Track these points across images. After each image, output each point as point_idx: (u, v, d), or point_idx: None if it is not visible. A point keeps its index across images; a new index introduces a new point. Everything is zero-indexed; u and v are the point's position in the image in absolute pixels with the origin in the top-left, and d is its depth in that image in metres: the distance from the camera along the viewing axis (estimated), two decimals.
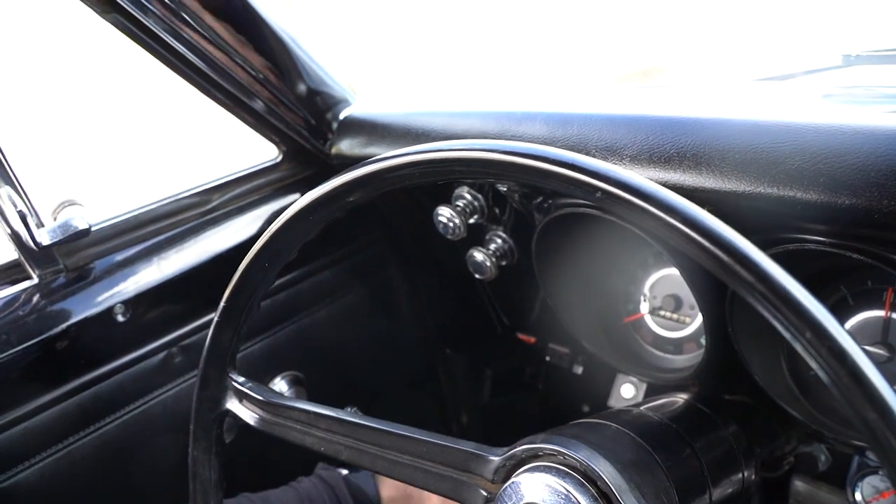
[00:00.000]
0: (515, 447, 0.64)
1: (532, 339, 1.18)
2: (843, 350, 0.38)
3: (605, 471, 0.60)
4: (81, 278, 0.89)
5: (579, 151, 0.76)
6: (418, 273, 1.19)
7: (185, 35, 0.86)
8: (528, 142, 0.77)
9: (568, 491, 0.60)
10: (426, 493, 0.97)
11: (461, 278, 1.19)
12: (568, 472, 0.61)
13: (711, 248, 0.40)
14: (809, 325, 0.40)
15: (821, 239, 0.66)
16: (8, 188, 0.79)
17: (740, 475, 0.81)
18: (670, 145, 0.67)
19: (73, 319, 0.87)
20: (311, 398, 1.08)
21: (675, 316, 0.98)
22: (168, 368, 0.95)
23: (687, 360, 0.98)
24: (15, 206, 0.80)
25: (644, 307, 1.00)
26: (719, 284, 0.79)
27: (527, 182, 0.49)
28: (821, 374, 0.39)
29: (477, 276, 1.04)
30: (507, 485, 0.62)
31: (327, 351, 1.12)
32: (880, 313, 0.82)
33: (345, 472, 0.99)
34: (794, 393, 0.86)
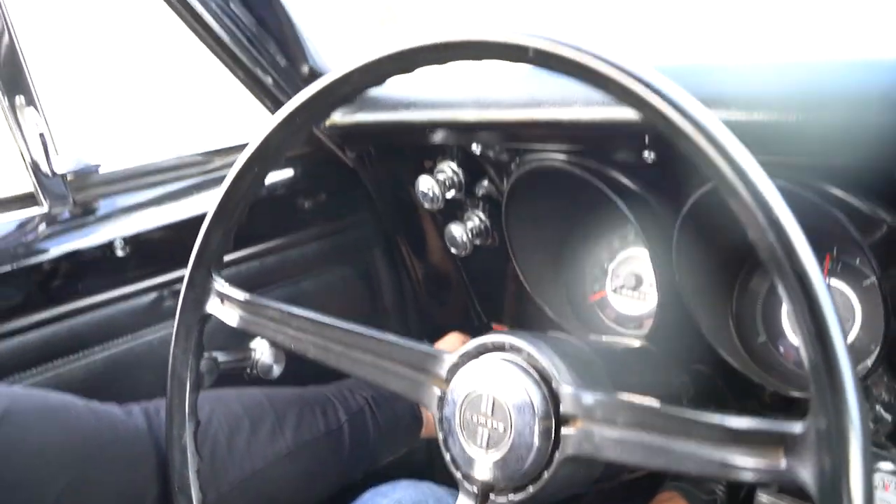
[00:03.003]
0: (468, 345, 0.69)
1: (505, 328, 1.23)
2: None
3: (547, 355, 0.65)
4: (87, 213, 0.97)
5: None
6: (400, 259, 1.26)
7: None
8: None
9: (511, 373, 0.64)
10: None
11: (442, 270, 1.26)
12: (512, 360, 0.66)
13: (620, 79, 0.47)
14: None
15: None
16: (32, 110, 0.88)
17: None
18: None
19: (76, 247, 0.94)
20: (289, 365, 1.14)
21: (635, 294, 1.04)
22: (158, 310, 1.01)
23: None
24: (37, 130, 0.89)
25: (608, 285, 1.07)
26: (672, 240, 0.86)
27: (475, 56, 0.57)
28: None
29: (453, 249, 1.11)
30: (454, 377, 0.67)
31: None
32: None
33: None
34: (741, 353, 0.92)
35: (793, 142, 0.66)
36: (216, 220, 0.76)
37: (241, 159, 0.74)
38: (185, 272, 0.78)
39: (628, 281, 1.04)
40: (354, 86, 0.67)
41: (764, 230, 0.42)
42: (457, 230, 1.08)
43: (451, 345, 1.12)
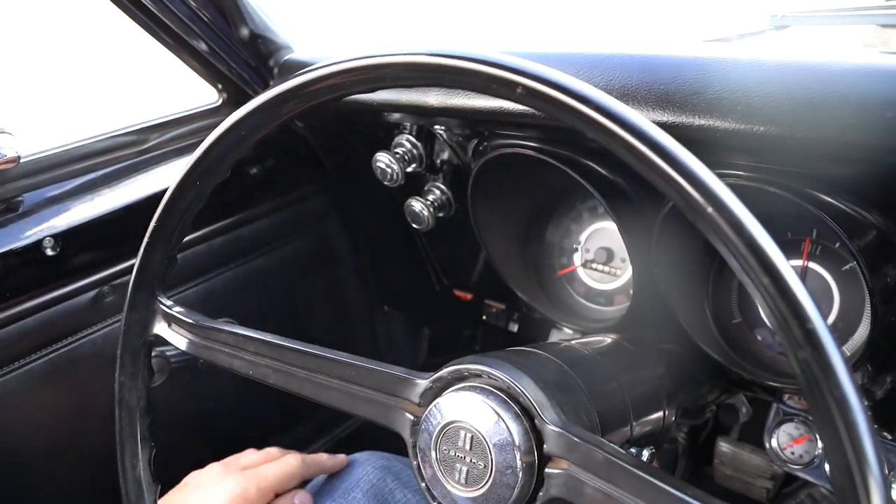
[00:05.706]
0: (441, 370, 0.65)
1: (469, 296, 1.19)
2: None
3: (528, 388, 0.61)
4: (10, 210, 0.88)
5: None
6: (358, 228, 1.19)
7: None
8: None
9: (490, 407, 0.60)
10: None
11: (401, 235, 1.20)
12: (491, 391, 0.61)
13: (620, 132, 0.41)
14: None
15: (742, 174, 0.69)
16: None
17: (661, 414, 0.83)
18: (599, 79, 0.69)
19: (1, 249, 0.85)
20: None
21: (606, 268, 1.00)
22: (98, 307, 0.94)
23: (617, 311, 1.01)
24: None
25: (577, 259, 1.02)
26: (649, 229, 0.82)
27: (453, 85, 0.50)
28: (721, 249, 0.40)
29: (414, 225, 1.05)
30: (431, 406, 0.63)
31: (263, 300, 1.11)
32: (798, 262, 0.86)
33: None
34: (717, 339, 0.89)
35: (785, 151, 0.61)
36: (155, 239, 0.69)
37: (180, 172, 0.66)
38: (127, 273, 0.71)
39: (599, 256, 0.99)
40: (303, 100, 0.60)
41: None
42: (417, 205, 1.02)
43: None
